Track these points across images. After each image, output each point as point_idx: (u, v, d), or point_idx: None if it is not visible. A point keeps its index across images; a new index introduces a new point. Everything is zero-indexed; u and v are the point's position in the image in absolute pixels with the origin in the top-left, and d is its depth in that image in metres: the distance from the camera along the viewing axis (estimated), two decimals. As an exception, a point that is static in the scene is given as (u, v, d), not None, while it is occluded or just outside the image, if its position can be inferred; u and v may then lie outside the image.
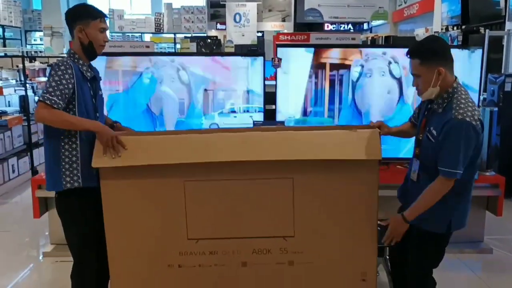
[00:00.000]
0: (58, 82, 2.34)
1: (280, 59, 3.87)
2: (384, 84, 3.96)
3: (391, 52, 3.94)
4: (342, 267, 2.53)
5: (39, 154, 6.27)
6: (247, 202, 2.46)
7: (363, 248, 2.51)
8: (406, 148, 3.88)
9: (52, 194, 2.55)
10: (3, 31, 12.91)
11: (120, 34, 13.99)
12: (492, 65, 7.50)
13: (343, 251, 2.52)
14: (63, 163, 2.44)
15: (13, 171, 5.84)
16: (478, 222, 4.13)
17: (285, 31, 14.32)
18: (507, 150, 5.50)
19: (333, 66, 3.94)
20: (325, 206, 2.47)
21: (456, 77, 2.38)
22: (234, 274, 2.53)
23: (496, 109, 4.14)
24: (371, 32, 15.55)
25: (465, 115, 2.22)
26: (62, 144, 2.43)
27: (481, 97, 6.34)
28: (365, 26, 15.75)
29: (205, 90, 3.92)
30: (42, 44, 13.66)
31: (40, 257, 3.93)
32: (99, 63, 2.90)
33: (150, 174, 2.42)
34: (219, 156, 2.39)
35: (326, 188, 2.45)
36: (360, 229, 2.49)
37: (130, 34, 14.25)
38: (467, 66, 3.94)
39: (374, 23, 15.02)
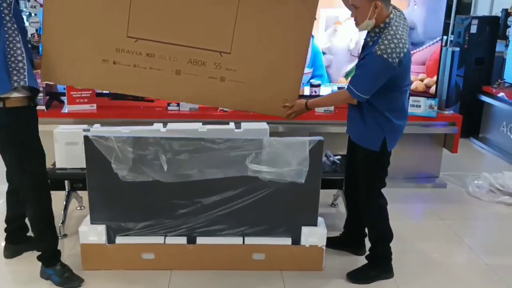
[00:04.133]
0: None
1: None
2: None
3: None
4: (268, 91, 2.73)
5: None
6: (191, 9, 2.51)
7: (289, 78, 2.73)
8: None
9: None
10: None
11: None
12: (464, 7, 7.59)
13: (272, 76, 2.71)
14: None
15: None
16: (435, 158, 4.36)
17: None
18: (469, 91, 5.69)
19: None
20: (264, 29, 2.61)
21: (394, 11, 2.52)
22: (167, 80, 2.64)
23: (458, 49, 4.26)
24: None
25: (384, 51, 2.40)
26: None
27: (449, 39, 6.54)
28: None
29: None
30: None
31: None
32: None
33: None
34: None
35: (268, 11, 2.56)
36: (291, 58, 2.69)
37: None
38: (431, 7, 4.04)
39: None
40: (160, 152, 2.62)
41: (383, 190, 2.80)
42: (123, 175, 2.65)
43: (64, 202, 3.27)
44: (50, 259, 2.68)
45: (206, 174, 2.67)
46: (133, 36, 2.54)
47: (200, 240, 2.79)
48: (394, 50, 2.40)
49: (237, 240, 2.80)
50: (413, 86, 4.17)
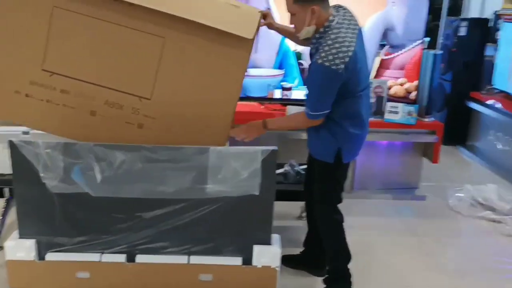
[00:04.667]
0: None
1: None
2: None
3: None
4: (189, 141, 2.43)
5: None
6: (113, 49, 2.30)
7: (217, 128, 2.45)
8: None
9: None
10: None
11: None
12: (455, 9, 7.32)
13: (195, 127, 2.43)
14: None
15: None
16: (415, 168, 4.10)
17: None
18: (457, 96, 5.43)
19: None
20: (189, 76, 2.36)
21: (336, 11, 2.31)
22: (80, 119, 2.40)
23: (440, 52, 3.99)
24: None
25: (325, 59, 2.17)
26: None
27: (439, 41, 6.27)
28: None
29: None
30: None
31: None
32: None
33: None
34: None
35: (195, 57, 2.33)
36: (218, 107, 2.41)
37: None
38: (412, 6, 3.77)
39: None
40: (93, 161, 2.35)
41: (341, 206, 2.56)
42: (53, 185, 2.38)
43: (3, 210, 3.01)
44: None
45: (145, 187, 2.40)
46: (48, 69, 2.31)
47: (140, 259, 2.51)
48: (336, 55, 2.15)
49: (182, 259, 2.52)
50: (392, 91, 3.90)
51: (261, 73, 3.62)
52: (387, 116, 3.74)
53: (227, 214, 2.47)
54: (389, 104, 3.75)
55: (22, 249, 2.46)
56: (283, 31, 2.62)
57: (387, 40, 3.90)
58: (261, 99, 3.76)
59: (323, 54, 2.15)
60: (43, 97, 2.35)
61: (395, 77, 3.89)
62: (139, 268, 2.51)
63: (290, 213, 3.44)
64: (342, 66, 2.15)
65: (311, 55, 2.35)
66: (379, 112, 3.76)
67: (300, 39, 2.35)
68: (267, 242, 2.55)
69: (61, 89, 2.34)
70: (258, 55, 2.65)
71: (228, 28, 2.24)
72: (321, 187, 2.53)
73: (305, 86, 2.36)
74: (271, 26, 2.53)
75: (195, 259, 2.53)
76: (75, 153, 2.34)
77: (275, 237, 2.63)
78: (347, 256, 2.56)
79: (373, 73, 3.94)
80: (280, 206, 3.10)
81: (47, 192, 2.39)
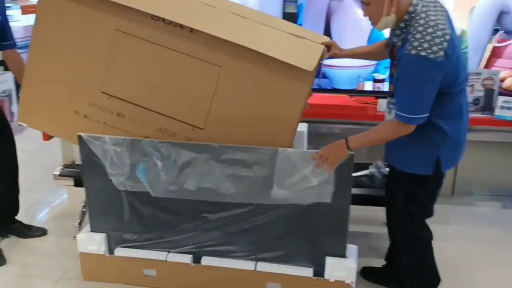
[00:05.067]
0: None
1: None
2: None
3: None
4: None
5: None
6: (170, 75, 2.23)
7: None
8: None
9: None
10: None
11: None
12: None
13: None
14: None
15: None
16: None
17: None
18: None
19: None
20: (244, 107, 2.20)
21: None
22: None
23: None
24: None
25: (419, 48, 1.81)
26: None
27: None
28: None
29: None
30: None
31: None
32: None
33: (91, 4, 2.20)
34: (157, 9, 2.14)
35: (251, 87, 2.17)
36: (273, 141, 2.21)
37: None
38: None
39: None
40: (158, 159, 2.27)
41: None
42: (119, 182, 2.35)
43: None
44: None
45: (210, 188, 2.27)
46: (107, 92, 2.29)
47: (206, 261, 2.41)
48: (432, 42, 1.80)
49: (249, 265, 2.37)
50: (506, 84, 3.37)
51: (351, 63, 3.32)
52: (499, 112, 3.24)
53: (296, 221, 2.27)
54: (501, 98, 3.23)
55: (93, 242, 2.48)
56: (356, 55, 2.36)
57: (502, 24, 3.37)
58: (350, 92, 3.46)
59: (415, 43, 1.82)
60: (100, 119, 2.34)
61: (510, 68, 3.35)
62: (204, 270, 2.41)
63: (377, 218, 3.12)
64: (442, 53, 1.80)
65: (394, 52, 2.03)
66: (488, 107, 3.26)
67: (379, 31, 2.04)
68: (341, 254, 2.30)
69: (118, 112, 2.31)
70: (347, 44, 2.37)
71: (288, 59, 2.06)
72: (407, 201, 2.17)
73: (395, 86, 2.01)
74: (338, 56, 2.26)
75: (263, 266, 2.36)
76: (141, 150, 2.28)
77: (352, 249, 2.38)
78: (435, 280, 2.22)
79: (483, 63, 3.45)
80: (365, 210, 2.84)
81: (114, 188, 2.36)
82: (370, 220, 3.15)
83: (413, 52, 1.80)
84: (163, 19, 2.14)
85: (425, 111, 1.91)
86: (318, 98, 3.40)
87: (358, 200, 2.64)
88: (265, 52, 2.07)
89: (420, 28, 1.83)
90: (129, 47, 2.22)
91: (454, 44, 1.86)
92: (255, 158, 2.19)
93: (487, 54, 3.45)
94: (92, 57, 2.27)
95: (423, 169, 2.07)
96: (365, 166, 2.88)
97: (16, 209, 2.95)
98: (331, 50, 2.22)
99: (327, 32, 3.34)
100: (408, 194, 2.14)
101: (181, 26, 2.13)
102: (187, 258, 2.41)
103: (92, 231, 2.50)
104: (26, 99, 2.44)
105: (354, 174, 2.78)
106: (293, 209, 2.24)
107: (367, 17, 2.00)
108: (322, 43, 2.17)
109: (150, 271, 2.48)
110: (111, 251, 2.50)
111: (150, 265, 2.46)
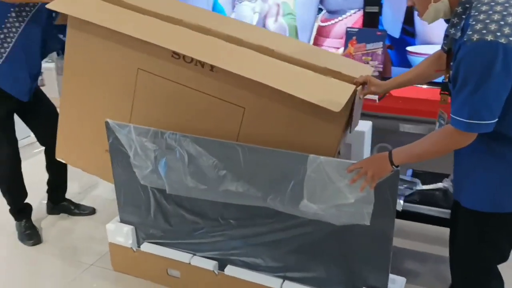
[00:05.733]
0: None
1: None
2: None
3: None
4: None
5: None
6: (195, 116, 2.11)
7: None
8: None
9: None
10: None
11: None
12: None
13: None
14: None
15: None
16: None
17: None
18: None
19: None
20: (269, 144, 1.96)
21: None
22: None
23: None
24: None
25: (484, 31, 1.32)
26: None
27: None
28: None
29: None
30: None
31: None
32: None
33: (116, 39, 2.14)
34: (177, 45, 2.01)
35: (277, 128, 1.98)
36: None
37: None
38: None
39: None
40: (180, 154, 2.05)
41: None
42: (143, 175, 2.18)
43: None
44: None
45: (233, 191, 2.00)
46: None
47: (230, 270, 2.16)
48: (502, 21, 1.32)
49: (275, 282, 2.08)
50: None
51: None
52: None
53: (328, 242, 1.92)
54: None
55: (120, 234, 2.36)
56: (401, 84, 1.92)
57: (324, 4, 3.18)
58: (437, 84, 2.92)
59: (478, 26, 1.35)
60: None
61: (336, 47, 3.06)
62: (227, 279, 2.17)
63: (441, 240, 2.62)
64: None
65: (450, 49, 1.54)
66: None
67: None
68: (382, 286, 1.91)
69: None
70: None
71: (312, 98, 1.81)
72: (471, 248, 1.67)
73: (453, 85, 1.49)
74: (376, 93, 1.91)
75: (290, 286, 2.06)
76: (165, 143, 2.07)
77: (398, 282, 1.99)
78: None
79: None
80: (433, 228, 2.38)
81: (139, 181, 2.20)
82: (437, 239, 2.65)
83: (476, 37, 1.33)
84: (184, 57, 2.01)
85: (491, 115, 1.41)
86: (399, 90, 2.92)
87: (427, 218, 2.23)
88: (289, 91, 1.83)
89: (485, 8, 1.35)
90: (151, 86, 2.15)
91: None
92: (285, 163, 1.87)
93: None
94: (119, 95, 2.23)
95: (502, 204, 1.55)
96: (436, 178, 2.40)
97: (64, 186, 2.95)
98: (368, 87, 1.87)
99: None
100: (484, 237, 1.64)
101: (202, 64, 1.99)
102: (210, 265, 2.19)
103: (121, 221, 2.39)
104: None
105: (423, 187, 2.36)
106: (325, 227, 1.89)
107: (413, 6, 1.56)
108: (356, 82, 1.88)
109: (174, 272, 2.31)
110: (139, 245, 2.37)
111: (174, 266, 2.29)
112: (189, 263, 2.23)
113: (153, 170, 2.14)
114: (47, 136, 2.64)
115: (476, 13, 1.37)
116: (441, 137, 1.55)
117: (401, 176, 2.41)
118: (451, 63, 1.50)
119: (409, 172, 2.50)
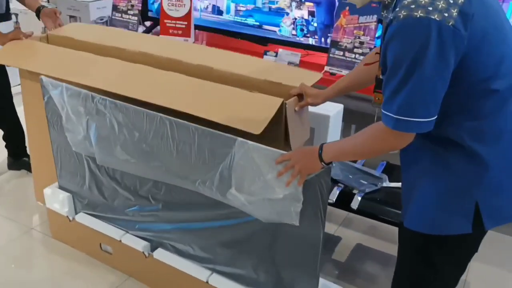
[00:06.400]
0: None
1: None
2: None
3: None
4: None
5: None
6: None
7: None
8: None
9: None
10: None
11: None
12: None
13: None
14: None
15: None
16: None
17: None
18: None
19: None
20: None
21: None
22: None
23: None
24: None
25: (413, 6, 1.04)
26: None
27: None
28: None
29: None
30: None
31: None
32: None
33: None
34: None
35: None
36: None
37: None
38: None
39: None
40: (113, 122, 1.84)
41: None
42: (75, 142, 1.99)
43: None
44: None
45: (163, 169, 1.79)
46: None
47: (159, 254, 1.97)
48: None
49: (203, 274, 1.87)
50: None
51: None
52: None
53: (256, 239, 1.70)
54: None
55: (57, 200, 2.20)
56: (344, 89, 1.64)
57: None
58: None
59: (408, 1, 1.05)
60: None
61: None
62: (156, 263, 1.98)
63: None
64: (454, 12, 1.03)
65: (385, 32, 1.20)
66: None
67: (358, 7, 1.26)
68: (311, 292, 1.68)
69: None
70: None
71: (234, 122, 1.57)
72: (420, 266, 1.38)
73: (384, 74, 1.21)
74: (314, 104, 1.66)
75: (216, 280, 1.85)
76: (96, 108, 1.86)
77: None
78: None
79: None
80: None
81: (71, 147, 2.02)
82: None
83: (404, 13, 1.04)
84: None
85: (426, 112, 1.12)
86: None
87: (383, 220, 1.98)
88: (210, 118, 1.59)
89: None
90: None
91: (484, 9, 1.06)
92: (213, 144, 1.64)
93: None
94: None
95: (454, 226, 1.26)
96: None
97: (21, 138, 2.81)
98: (305, 99, 1.63)
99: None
100: (427, 259, 1.36)
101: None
102: (140, 245, 2.00)
103: (59, 187, 2.22)
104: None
105: (390, 185, 2.08)
106: (253, 223, 1.65)
107: None
108: (290, 94, 1.65)
109: (108, 248, 2.14)
110: (76, 214, 2.21)
111: (107, 242, 2.12)
112: (120, 241, 2.05)
113: (85, 136, 1.94)
114: None
115: None
116: (370, 135, 1.26)
117: (368, 170, 2.15)
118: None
119: (382, 165, 2.22)
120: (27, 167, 2.82)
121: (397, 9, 1.06)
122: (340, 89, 1.62)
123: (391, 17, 1.07)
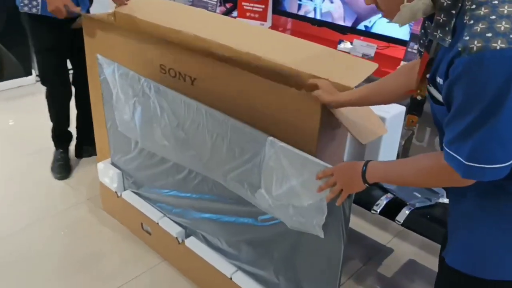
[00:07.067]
0: None
1: None
2: None
3: None
4: None
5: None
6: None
7: None
8: None
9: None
10: None
11: None
12: None
13: None
14: None
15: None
16: None
17: None
18: None
19: None
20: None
21: None
22: None
23: None
24: None
25: (489, 35, 0.84)
26: None
27: None
28: None
29: None
30: None
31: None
32: None
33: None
34: None
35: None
36: None
37: None
38: None
39: None
40: (156, 106, 1.82)
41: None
42: (120, 121, 2.01)
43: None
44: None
45: (195, 156, 1.75)
46: None
47: (190, 243, 1.95)
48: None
49: (228, 269, 1.82)
50: None
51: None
52: None
53: (279, 243, 1.61)
54: None
55: (108, 175, 2.26)
56: (359, 100, 1.40)
57: None
58: None
59: (480, 26, 0.86)
60: None
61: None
62: (186, 251, 1.97)
63: None
64: None
65: (431, 59, 1.04)
66: None
67: (400, 26, 1.07)
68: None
69: None
70: None
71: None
72: None
73: (450, 110, 0.97)
74: (329, 103, 1.41)
75: (239, 278, 1.79)
76: (142, 90, 1.86)
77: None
78: None
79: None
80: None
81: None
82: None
83: (477, 44, 0.85)
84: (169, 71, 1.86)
85: (506, 155, 0.93)
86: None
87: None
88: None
89: (483, 12, 0.87)
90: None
91: None
92: (244, 139, 1.56)
93: None
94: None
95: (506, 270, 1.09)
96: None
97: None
98: (321, 97, 1.42)
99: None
100: None
101: (184, 78, 1.81)
102: (175, 230, 1.99)
103: (112, 163, 2.28)
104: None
105: (446, 201, 1.87)
106: (278, 226, 1.56)
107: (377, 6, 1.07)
108: (309, 84, 1.47)
109: (147, 228, 2.17)
110: (121, 192, 2.25)
111: (147, 222, 2.14)
112: (158, 223, 2.06)
113: (131, 117, 1.96)
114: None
115: (474, 6, 0.90)
116: (428, 169, 1.08)
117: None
118: (430, 76, 1.03)
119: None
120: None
121: (466, 37, 0.88)
122: (361, 96, 1.41)
123: (460, 48, 0.88)
